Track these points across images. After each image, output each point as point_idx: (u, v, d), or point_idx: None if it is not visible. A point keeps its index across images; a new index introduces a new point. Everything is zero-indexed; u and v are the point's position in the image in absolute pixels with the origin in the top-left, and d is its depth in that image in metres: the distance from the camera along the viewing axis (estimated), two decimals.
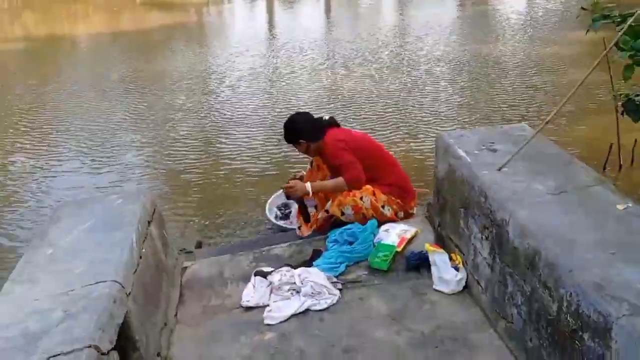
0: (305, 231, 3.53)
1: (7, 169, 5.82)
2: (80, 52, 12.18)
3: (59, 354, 1.70)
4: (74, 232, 2.55)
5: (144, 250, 2.54)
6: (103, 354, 1.77)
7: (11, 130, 6.89)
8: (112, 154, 5.99)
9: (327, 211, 3.42)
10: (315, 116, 3.57)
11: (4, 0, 17.51)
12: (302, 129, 3.44)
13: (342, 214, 3.33)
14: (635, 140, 4.15)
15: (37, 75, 9.63)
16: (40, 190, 5.28)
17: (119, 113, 7.21)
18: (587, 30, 2.51)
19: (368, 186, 3.34)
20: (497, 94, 6.97)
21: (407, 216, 3.48)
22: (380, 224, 3.31)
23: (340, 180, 3.33)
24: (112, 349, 1.86)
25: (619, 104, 2.29)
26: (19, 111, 7.60)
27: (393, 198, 3.40)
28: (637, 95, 2.25)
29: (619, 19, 2.33)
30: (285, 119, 3.59)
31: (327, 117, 3.56)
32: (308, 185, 3.38)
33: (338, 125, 3.56)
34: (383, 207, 3.35)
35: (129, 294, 2.16)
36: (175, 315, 2.77)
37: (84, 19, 15.34)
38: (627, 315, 1.57)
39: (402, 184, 3.49)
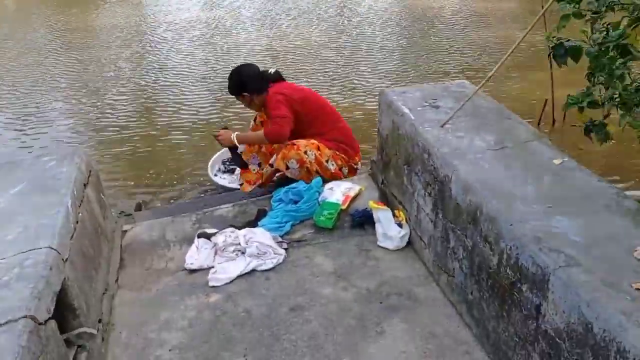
0: (248, 187, 3.49)
1: None
2: (2, 6, 11.35)
3: None
4: (5, 197, 2.40)
5: (80, 214, 2.43)
6: (40, 323, 1.69)
7: None
8: (42, 118, 5.66)
9: (271, 165, 3.38)
10: (261, 69, 3.48)
11: None
12: (247, 82, 3.35)
13: (287, 167, 3.29)
14: (568, 95, 4.27)
15: None
16: None
17: (48, 74, 6.81)
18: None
19: (313, 140, 3.31)
20: (438, 51, 7.02)
21: (351, 171, 3.49)
22: (324, 179, 3.31)
23: (261, 132, 3.30)
24: (50, 318, 1.79)
25: (549, 46, 2.33)
26: None
27: (338, 153, 3.39)
28: (568, 41, 2.30)
29: None
30: (224, 77, 3.49)
31: (272, 71, 3.48)
32: (234, 135, 3.36)
33: (283, 79, 3.49)
34: (327, 161, 3.33)
35: (66, 259, 2.07)
36: (117, 280, 2.69)
37: None
38: (563, 266, 1.63)
39: (346, 139, 3.48)
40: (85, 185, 2.67)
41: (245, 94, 3.35)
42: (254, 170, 3.55)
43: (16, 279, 1.83)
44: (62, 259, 2.03)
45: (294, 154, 3.25)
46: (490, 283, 2.02)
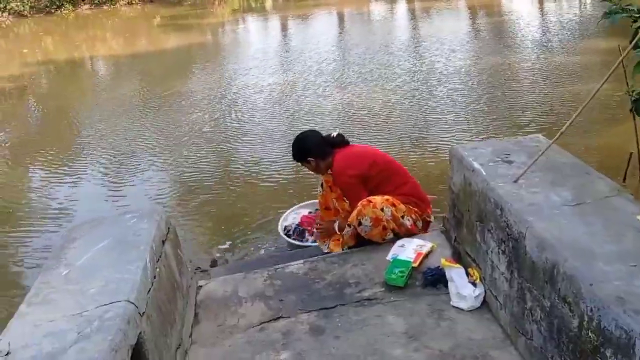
0: (336, 248, 3.52)
1: (31, 193, 5.95)
2: (99, 75, 12.37)
3: None
4: (89, 252, 2.56)
5: (158, 269, 2.53)
6: None
7: (27, 160, 6.97)
8: (130, 174, 6.08)
9: (349, 225, 3.39)
10: (324, 133, 3.57)
11: (25, 27, 17.95)
12: (311, 147, 3.44)
13: (360, 224, 3.29)
14: None
15: (58, 97, 9.84)
16: (61, 211, 5.36)
17: (137, 135, 7.29)
18: (600, 20, 2.39)
19: (387, 197, 3.31)
20: (512, 105, 6.91)
21: (426, 224, 3.46)
22: (398, 235, 3.30)
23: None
24: None
25: (631, 100, 2.24)
26: (41, 135, 7.75)
27: (411, 207, 3.38)
28: None
29: (637, 14, 2.23)
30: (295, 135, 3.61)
31: (335, 134, 3.54)
32: (336, 224, 3.48)
33: (347, 142, 3.54)
34: (403, 217, 3.32)
35: (143, 314, 2.15)
36: (190, 335, 2.76)
37: (102, 42, 15.57)
38: None
39: (416, 193, 3.47)
40: (163, 241, 2.79)
41: (310, 159, 3.43)
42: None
43: (96, 331, 1.92)
44: (139, 313, 2.12)
45: (370, 211, 3.25)
46: (571, 347, 1.90)
